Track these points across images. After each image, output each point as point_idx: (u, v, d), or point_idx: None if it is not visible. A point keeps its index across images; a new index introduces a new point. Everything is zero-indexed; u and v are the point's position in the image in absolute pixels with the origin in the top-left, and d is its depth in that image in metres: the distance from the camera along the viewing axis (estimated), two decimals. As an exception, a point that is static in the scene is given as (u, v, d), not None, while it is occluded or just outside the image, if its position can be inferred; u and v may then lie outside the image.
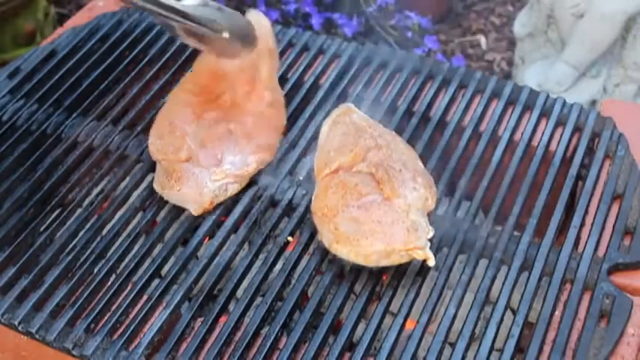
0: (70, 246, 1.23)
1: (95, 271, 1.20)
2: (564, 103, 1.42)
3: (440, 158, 1.34)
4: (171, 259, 1.22)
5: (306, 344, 1.09)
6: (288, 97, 1.47)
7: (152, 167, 1.35)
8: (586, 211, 1.24)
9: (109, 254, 1.22)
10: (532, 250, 1.18)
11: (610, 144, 1.34)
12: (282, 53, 1.59)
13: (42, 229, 1.28)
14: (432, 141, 1.38)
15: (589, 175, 1.29)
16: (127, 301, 1.15)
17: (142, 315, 1.13)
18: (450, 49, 2.76)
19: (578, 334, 1.08)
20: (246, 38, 1.26)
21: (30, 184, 1.34)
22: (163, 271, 1.21)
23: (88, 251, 1.22)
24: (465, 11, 2.94)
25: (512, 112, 1.42)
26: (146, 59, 1.60)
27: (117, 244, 1.24)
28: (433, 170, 1.29)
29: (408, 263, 1.15)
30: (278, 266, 1.20)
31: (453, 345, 1.08)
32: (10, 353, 1.21)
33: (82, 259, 1.21)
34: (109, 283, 1.18)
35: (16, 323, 1.13)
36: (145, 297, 1.17)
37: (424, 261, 1.12)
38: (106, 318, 1.13)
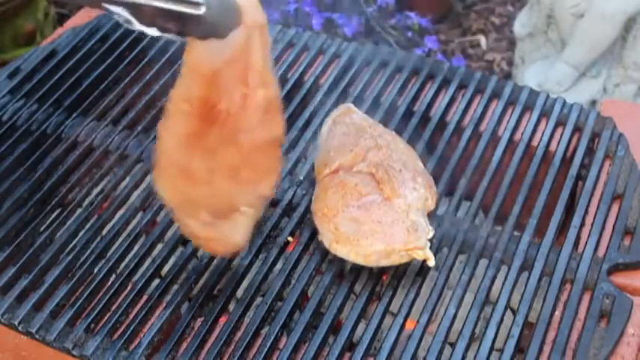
0: (70, 246, 1.23)
1: (95, 271, 1.20)
2: (564, 103, 1.42)
3: (440, 158, 1.34)
4: (171, 259, 1.22)
5: (306, 344, 1.09)
6: (288, 97, 1.47)
7: (152, 167, 1.35)
8: (586, 211, 1.24)
9: (109, 254, 1.22)
10: (532, 250, 1.18)
11: (610, 144, 1.34)
12: (282, 53, 1.59)
13: (42, 229, 1.28)
14: (432, 141, 1.38)
15: (589, 175, 1.29)
16: (127, 301, 1.15)
17: (142, 315, 1.13)
18: (450, 49, 2.76)
19: (578, 334, 1.08)
20: (229, 12, 1.02)
21: (30, 184, 1.34)
22: (163, 271, 1.21)
23: (88, 251, 1.22)
24: (464, 11, 2.94)
25: (512, 112, 1.42)
26: (146, 59, 1.60)
27: (117, 244, 1.24)
28: (433, 170, 1.29)
29: (408, 263, 1.15)
30: (278, 266, 1.20)
31: (453, 345, 1.08)
32: (10, 353, 1.21)
33: (82, 259, 1.21)
34: (109, 283, 1.18)
35: (16, 323, 1.13)
36: (145, 297, 1.16)
37: (424, 261, 1.12)
38: (106, 318, 1.13)
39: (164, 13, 0.98)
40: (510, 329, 1.08)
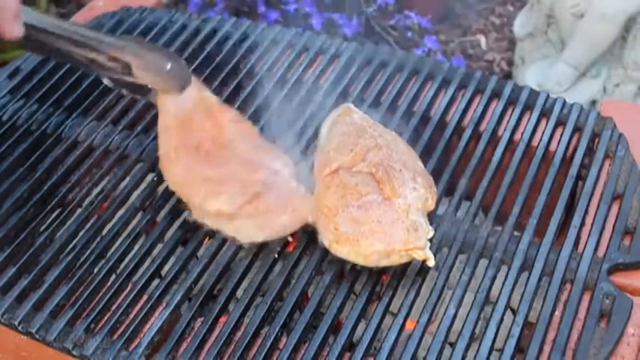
0: (70, 246, 1.23)
1: (95, 271, 1.20)
2: (564, 103, 1.42)
3: (440, 158, 1.34)
4: (171, 259, 1.22)
5: (306, 344, 1.09)
6: (288, 98, 1.47)
7: (152, 167, 1.35)
8: (586, 211, 1.24)
9: (109, 254, 1.22)
10: (532, 250, 1.18)
11: (610, 144, 1.34)
12: (282, 53, 1.59)
13: (42, 229, 1.28)
14: (432, 141, 1.37)
15: (589, 175, 1.29)
16: (127, 301, 1.15)
17: (142, 315, 1.13)
18: (450, 49, 2.76)
19: (578, 334, 1.08)
20: (184, 69, 1.33)
21: (30, 184, 1.34)
22: (163, 271, 1.21)
23: (88, 251, 1.22)
24: (464, 11, 2.94)
25: (512, 112, 1.42)
26: (146, 59, 1.59)
27: (117, 244, 1.24)
28: (433, 170, 1.29)
29: (408, 263, 1.15)
30: (278, 266, 1.20)
31: (453, 345, 1.08)
32: (10, 353, 1.21)
33: (82, 259, 1.21)
34: (109, 283, 1.18)
35: (16, 323, 1.13)
36: (145, 297, 1.17)
37: (424, 261, 1.12)
38: (106, 318, 1.13)
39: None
40: (510, 329, 1.08)
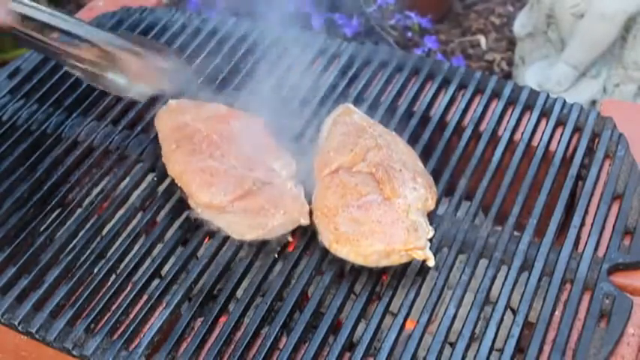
0: (70, 246, 1.24)
1: (95, 271, 1.20)
2: (564, 103, 1.42)
3: (440, 158, 1.34)
4: (171, 259, 1.22)
5: (306, 344, 1.09)
6: (289, 98, 1.47)
7: (152, 167, 1.35)
8: (586, 211, 1.24)
9: (109, 254, 1.22)
10: (532, 250, 1.18)
11: (610, 144, 1.34)
12: (282, 53, 1.59)
13: (42, 229, 1.28)
14: (432, 141, 1.37)
15: (589, 175, 1.29)
16: (127, 301, 1.15)
17: (142, 315, 1.13)
18: (450, 49, 2.76)
19: (578, 334, 1.08)
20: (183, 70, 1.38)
21: (30, 184, 1.34)
22: (163, 271, 1.21)
23: (88, 251, 1.22)
24: (464, 11, 2.94)
25: (512, 112, 1.42)
26: (146, 59, 1.59)
27: (117, 244, 1.24)
28: (433, 170, 1.29)
29: (408, 263, 1.15)
30: (278, 266, 1.20)
31: (453, 345, 1.08)
32: (10, 353, 1.21)
33: (82, 259, 1.21)
34: (109, 283, 1.18)
35: (16, 323, 1.13)
36: (145, 297, 1.16)
37: (424, 261, 1.12)
38: (106, 318, 1.14)
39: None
40: (510, 329, 1.08)
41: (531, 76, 2.32)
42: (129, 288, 1.17)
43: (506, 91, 1.46)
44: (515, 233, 1.21)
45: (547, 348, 1.06)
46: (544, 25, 2.31)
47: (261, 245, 1.21)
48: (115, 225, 1.26)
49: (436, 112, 1.43)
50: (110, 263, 1.20)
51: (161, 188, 1.32)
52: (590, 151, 1.35)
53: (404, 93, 1.48)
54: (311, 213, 1.20)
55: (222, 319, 1.13)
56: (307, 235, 1.21)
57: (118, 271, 1.20)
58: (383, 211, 1.13)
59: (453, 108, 1.45)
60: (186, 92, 1.40)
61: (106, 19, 1.71)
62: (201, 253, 1.23)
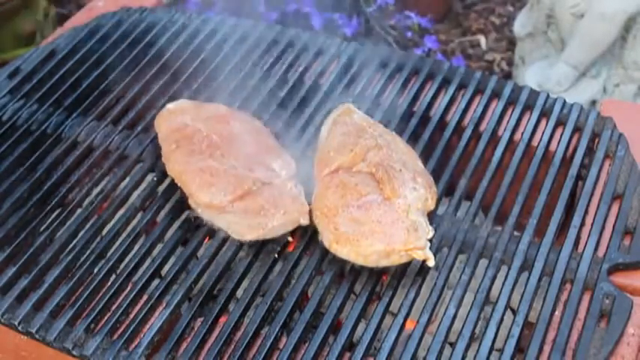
0: (70, 246, 1.23)
1: (95, 271, 1.20)
2: (564, 103, 1.42)
3: (440, 158, 1.34)
4: (172, 259, 1.22)
5: (306, 344, 1.09)
6: (289, 97, 1.47)
7: (152, 167, 1.35)
8: (586, 211, 1.24)
9: (109, 254, 1.22)
10: (532, 250, 1.18)
11: (610, 144, 1.34)
12: (281, 53, 1.59)
13: (42, 229, 1.27)
14: (432, 141, 1.37)
15: (589, 175, 1.29)
16: (127, 301, 1.15)
17: (142, 315, 1.13)
18: (450, 49, 2.76)
19: (578, 334, 1.08)
20: None
21: (30, 184, 1.34)
22: (163, 271, 1.21)
23: (88, 251, 1.22)
24: (464, 11, 2.94)
25: (512, 112, 1.42)
26: (146, 59, 1.60)
27: (117, 244, 1.24)
28: (433, 170, 1.29)
29: (408, 263, 1.15)
30: (278, 266, 1.20)
31: (453, 345, 1.08)
32: (10, 353, 1.21)
33: (82, 259, 1.21)
34: (109, 283, 1.18)
35: (16, 323, 1.13)
36: (145, 297, 1.16)
37: (424, 261, 1.12)
38: (106, 318, 1.13)
39: None
40: (510, 329, 1.08)
41: (531, 76, 2.32)
42: (129, 288, 1.17)
43: (507, 91, 1.45)
44: (515, 233, 1.21)
45: (547, 348, 1.06)
46: (544, 25, 2.31)
47: (261, 245, 1.21)
48: (115, 225, 1.26)
49: (436, 112, 1.43)
50: (110, 263, 1.20)
51: (161, 188, 1.32)
52: (590, 151, 1.35)
53: (404, 93, 1.48)
54: (311, 213, 1.20)
55: (222, 319, 1.13)
56: (307, 235, 1.21)
57: (118, 271, 1.20)
58: (383, 211, 1.13)
59: (453, 108, 1.45)
60: None
61: (106, 19, 1.71)
62: (201, 253, 1.23)
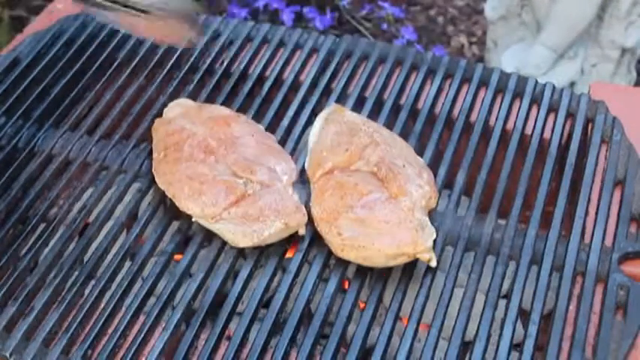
0: (57, 267, 1.16)
1: (86, 293, 1.13)
2: (554, 88, 1.39)
3: (434, 152, 1.30)
4: (166, 275, 1.16)
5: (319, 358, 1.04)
6: (269, 97, 1.42)
7: (135, 178, 1.29)
8: (589, 200, 1.21)
9: (98, 274, 1.16)
10: (539, 244, 1.14)
11: (605, 128, 1.31)
12: (257, 50, 1.53)
13: (24, 251, 1.20)
14: (423, 134, 1.33)
15: (588, 162, 1.26)
16: (124, 324, 1.08)
17: (141, 337, 1.07)
18: (425, 40, 2.71)
19: (595, 328, 1.05)
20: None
21: (6, 204, 1.26)
22: (158, 289, 1.15)
23: (77, 272, 1.16)
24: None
25: (502, 101, 1.38)
26: (115, 64, 1.52)
27: (106, 262, 1.17)
28: (428, 165, 1.25)
29: (414, 264, 1.12)
30: (279, 275, 1.15)
31: (470, 348, 1.04)
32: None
33: (70, 281, 1.14)
34: (102, 305, 1.11)
35: (8, 355, 1.06)
36: (141, 318, 1.10)
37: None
38: (103, 343, 1.07)
39: None
40: (527, 327, 1.05)
41: (508, 60, 2.28)
42: (123, 310, 1.11)
43: (494, 79, 1.42)
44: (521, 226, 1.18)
45: (565, 345, 1.03)
46: (517, 7, 2.28)
47: (260, 252, 1.16)
48: (102, 242, 1.19)
49: (425, 104, 1.39)
50: (101, 284, 1.13)
51: (147, 199, 1.26)
52: (585, 137, 1.32)
53: (389, 86, 1.43)
54: (310, 218, 1.15)
55: (227, 335, 1.08)
56: (307, 240, 1.16)
57: (111, 293, 1.13)
58: (389, 210, 1.09)
59: (441, 99, 1.40)
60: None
61: (69, 22, 1.62)
62: (196, 266, 1.17)
